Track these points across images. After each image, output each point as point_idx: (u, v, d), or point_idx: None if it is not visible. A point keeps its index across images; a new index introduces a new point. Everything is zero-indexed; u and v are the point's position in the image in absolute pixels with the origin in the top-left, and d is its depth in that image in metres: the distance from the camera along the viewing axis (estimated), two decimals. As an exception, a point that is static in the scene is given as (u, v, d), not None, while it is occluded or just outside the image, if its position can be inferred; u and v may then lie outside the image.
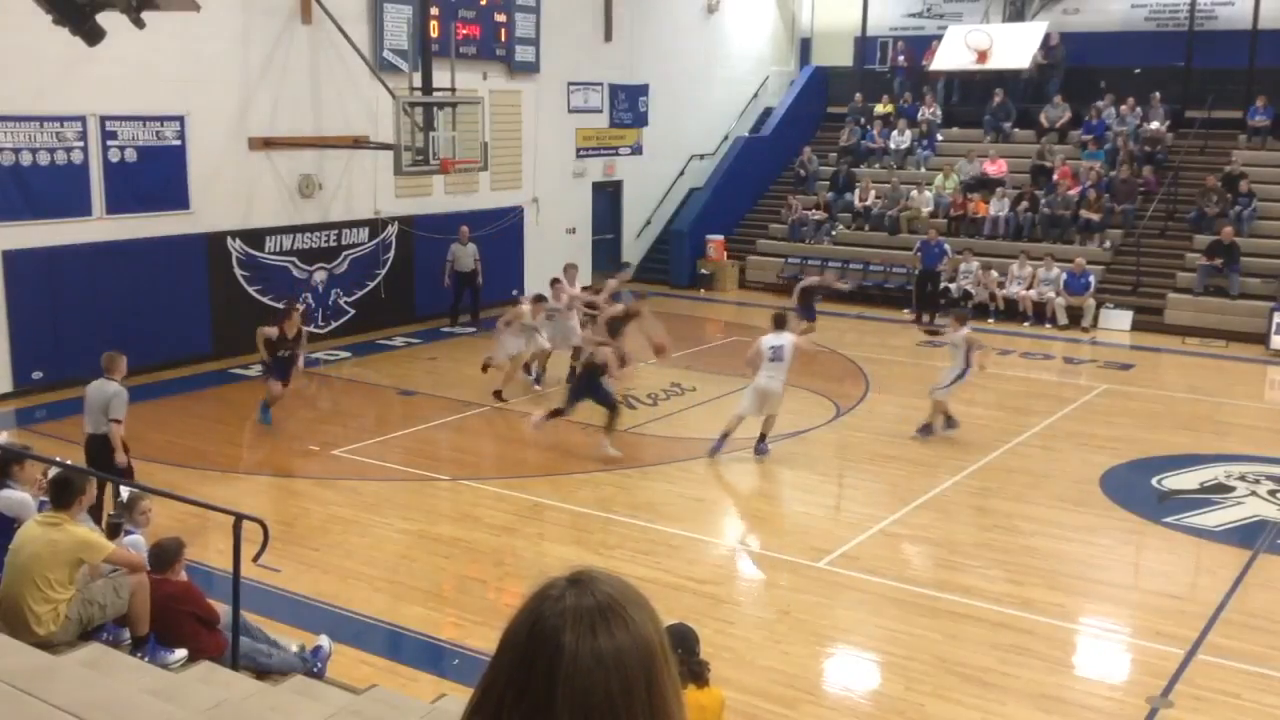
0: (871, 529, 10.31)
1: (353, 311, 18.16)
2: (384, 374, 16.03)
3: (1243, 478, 11.70)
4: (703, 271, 23.56)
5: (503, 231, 20.39)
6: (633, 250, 24.56)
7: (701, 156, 25.62)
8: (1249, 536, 10.17)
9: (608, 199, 23.83)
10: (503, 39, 20.14)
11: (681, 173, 25.28)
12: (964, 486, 11.56)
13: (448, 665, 7.64)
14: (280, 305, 14.52)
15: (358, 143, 17.29)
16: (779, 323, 12.42)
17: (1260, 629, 8.36)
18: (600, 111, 22.97)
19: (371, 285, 18.45)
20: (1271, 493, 11.31)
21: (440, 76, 16.81)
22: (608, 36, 22.69)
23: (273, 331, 12.64)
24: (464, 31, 19.16)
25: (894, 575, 9.31)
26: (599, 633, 1.42)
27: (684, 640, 5.26)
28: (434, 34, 17.60)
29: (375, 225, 18.40)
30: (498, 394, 14.29)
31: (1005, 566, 9.49)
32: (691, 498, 11.28)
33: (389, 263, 18.67)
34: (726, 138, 26.13)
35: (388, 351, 17.49)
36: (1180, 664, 7.78)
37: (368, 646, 7.89)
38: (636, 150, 24.01)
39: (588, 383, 12.45)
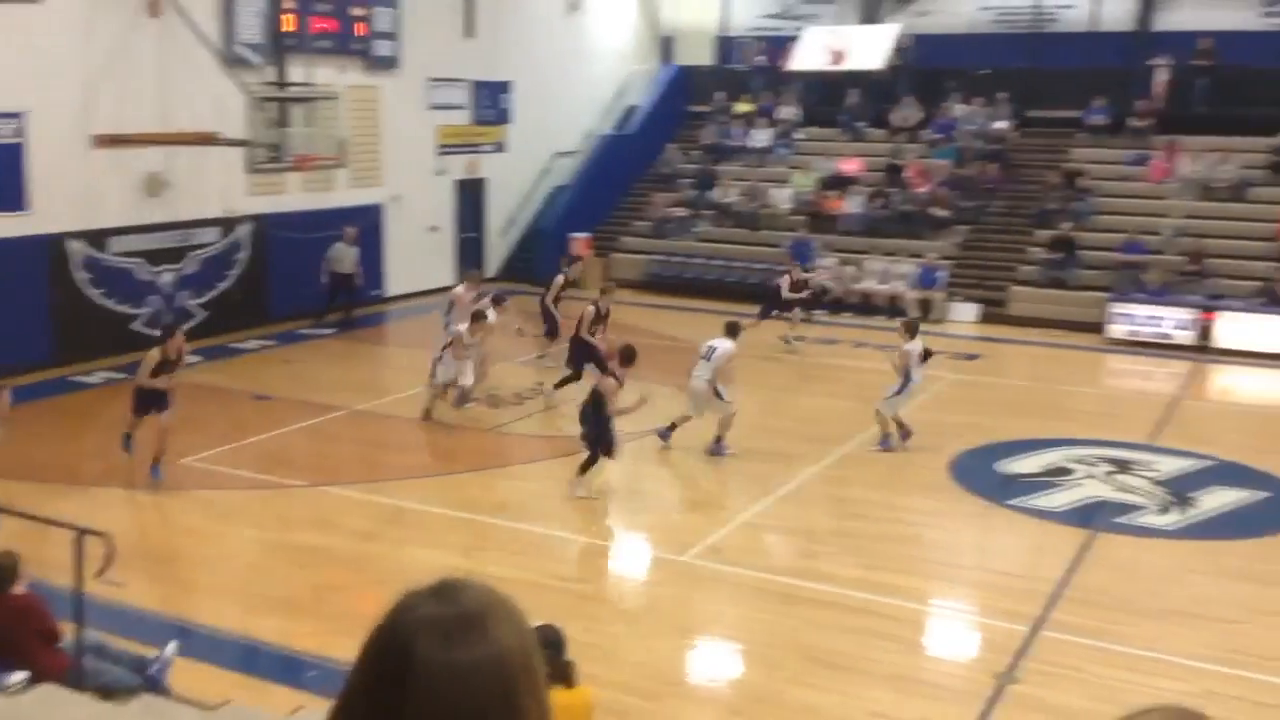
0: (734, 521, 10.49)
1: (204, 314, 17.61)
2: (237, 378, 15.56)
3: (1081, 461, 12.29)
4: (565, 270, 23.51)
5: (362, 230, 20.03)
6: (497, 249, 24.42)
7: (565, 154, 25.62)
8: (1087, 517, 10.69)
9: (471, 197, 23.64)
10: (361, 33, 19.79)
11: (546, 170, 25.23)
12: (823, 476, 11.86)
13: (305, 677, 7.49)
14: (157, 330, 13.53)
15: (208, 139, 16.76)
16: (730, 330, 12.55)
17: (1099, 604, 8.79)
18: (463, 108, 22.77)
19: (223, 286, 17.92)
20: (1108, 474, 11.90)
21: (296, 71, 16.42)
22: (469, 32, 22.50)
23: (157, 355, 11.27)
24: (320, 25, 18.76)
25: (756, 566, 9.49)
26: (454, 645, 1.38)
27: (551, 641, 5.27)
28: (288, 28, 17.17)
29: (227, 224, 17.87)
30: (427, 414, 13.42)
31: (862, 553, 9.76)
32: (558, 496, 11.29)
33: (242, 263, 18.16)
34: (590, 135, 26.19)
35: (241, 355, 16.99)
36: (1026, 640, 8.13)
37: (221, 661, 7.68)
38: (500, 148, 23.88)
39: (595, 415, 10.88)
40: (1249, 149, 21.25)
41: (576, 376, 13.85)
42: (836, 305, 20.43)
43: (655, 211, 24.05)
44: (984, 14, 25.82)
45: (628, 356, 11.11)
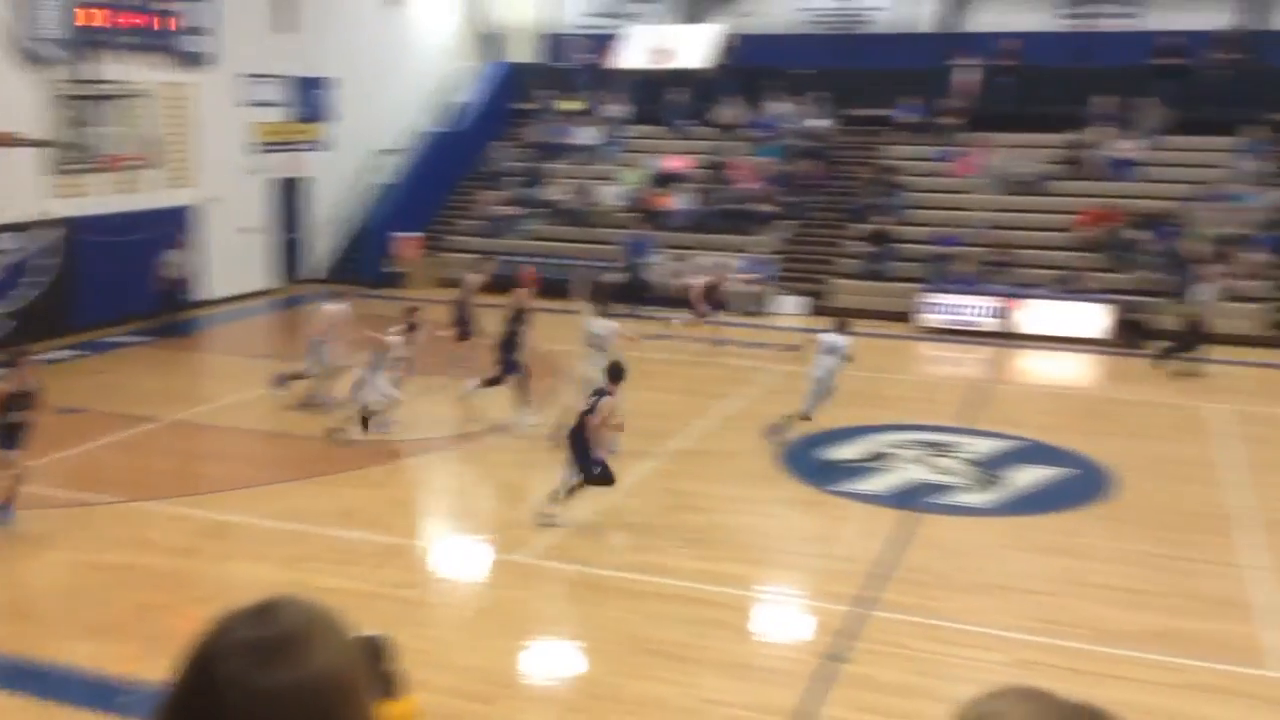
0: (571, 519, 10.47)
1: (10, 324, 16.55)
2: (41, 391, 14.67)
3: (901, 445, 12.78)
4: (392, 269, 23.12)
5: (178, 232, 19.21)
6: (320, 250, 23.79)
7: (390, 152, 25.14)
8: (908, 498, 11.11)
9: (291, 196, 22.96)
10: (173, 29, 18.96)
11: (370, 168, 24.71)
12: (656, 470, 11.97)
13: (117, 702, 7.13)
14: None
15: (8, 140, 15.76)
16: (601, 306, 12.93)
17: (921, 582, 9.14)
18: (281, 105, 22.08)
19: (23, 294, 16.88)
20: (926, 457, 12.40)
21: (106, 68, 15.61)
22: (286, 27, 21.83)
23: (4, 390, 10.14)
24: (130, 20, 17.88)
25: (591, 562, 9.51)
26: (265, 668, 1.33)
27: (376, 652, 5.16)
28: (92, 22, 16.31)
29: (28, 229, 16.85)
30: (331, 432, 12.62)
31: (695, 544, 9.89)
32: (388, 501, 11.07)
33: (46, 269, 17.16)
34: (416, 133, 25.77)
35: (46, 366, 16.03)
36: (853, 621, 8.39)
37: (26, 688, 7.24)
38: (321, 146, 23.26)
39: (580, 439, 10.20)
40: (1048, 145, 22.47)
41: (498, 381, 13.45)
42: (668, 301, 20.67)
43: (484, 210, 23.85)
44: (801, 15, 26.55)
45: (616, 374, 10.46)
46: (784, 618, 8.85)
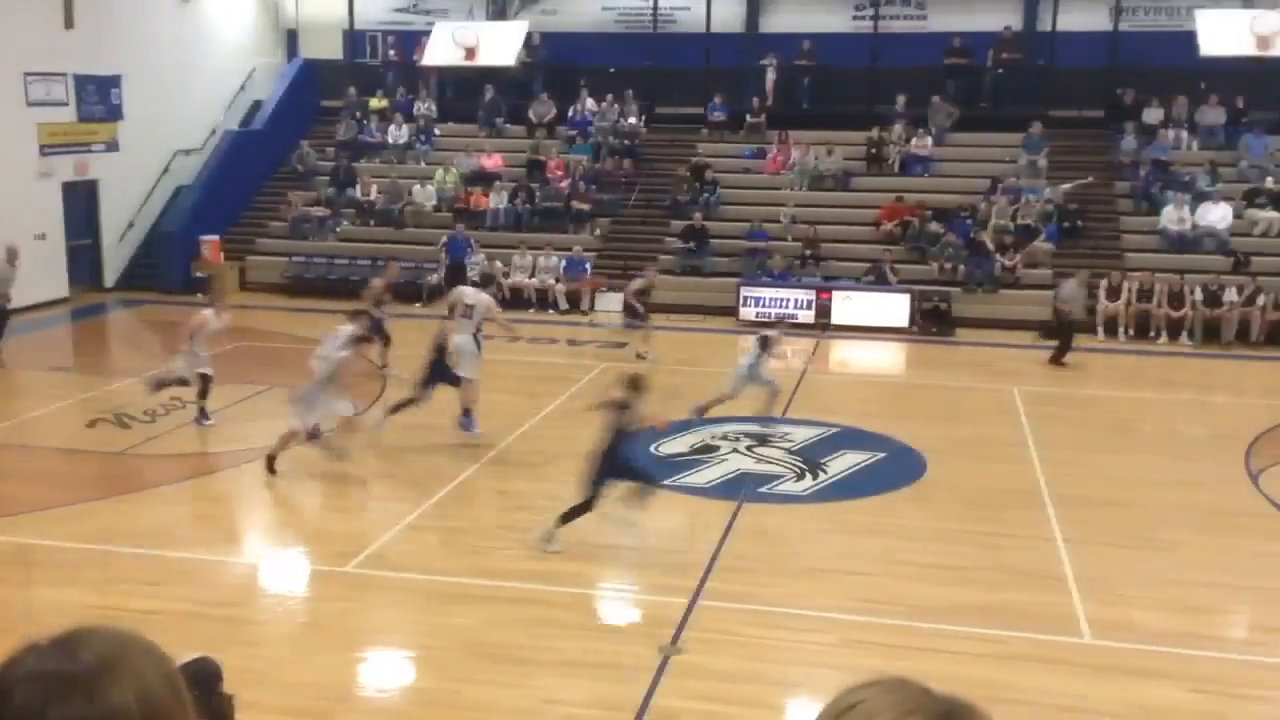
0: (398, 525, 10.28)
1: None
2: None
3: (725, 437, 13.06)
4: (198, 275, 22.16)
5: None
6: (117, 255, 22.58)
7: (188, 152, 24.06)
8: (733, 489, 11.37)
9: (82, 200, 21.70)
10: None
11: (166, 170, 23.59)
12: (485, 472, 11.88)
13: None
14: None
15: None
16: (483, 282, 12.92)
17: (748, 570, 9.37)
18: (66, 105, 20.84)
19: None
20: (749, 448, 12.72)
21: None
22: (69, 23, 20.60)
23: None
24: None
25: (422, 569, 9.36)
26: (61, 702, 1.26)
27: (202, 677, 4.93)
28: None
29: None
30: (271, 461, 11.45)
31: (527, 545, 9.85)
32: (202, 516, 10.62)
33: None
34: (214, 132, 24.75)
35: None
36: (686, 612, 8.52)
37: None
38: (113, 146, 22.07)
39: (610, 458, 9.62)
40: (849, 142, 23.35)
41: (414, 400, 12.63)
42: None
43: (291, 211, 23.12)
44: (607, 14, 26.76)
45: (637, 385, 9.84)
46: (618, 613, 8.92)
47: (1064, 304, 17.38)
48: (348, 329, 11.66)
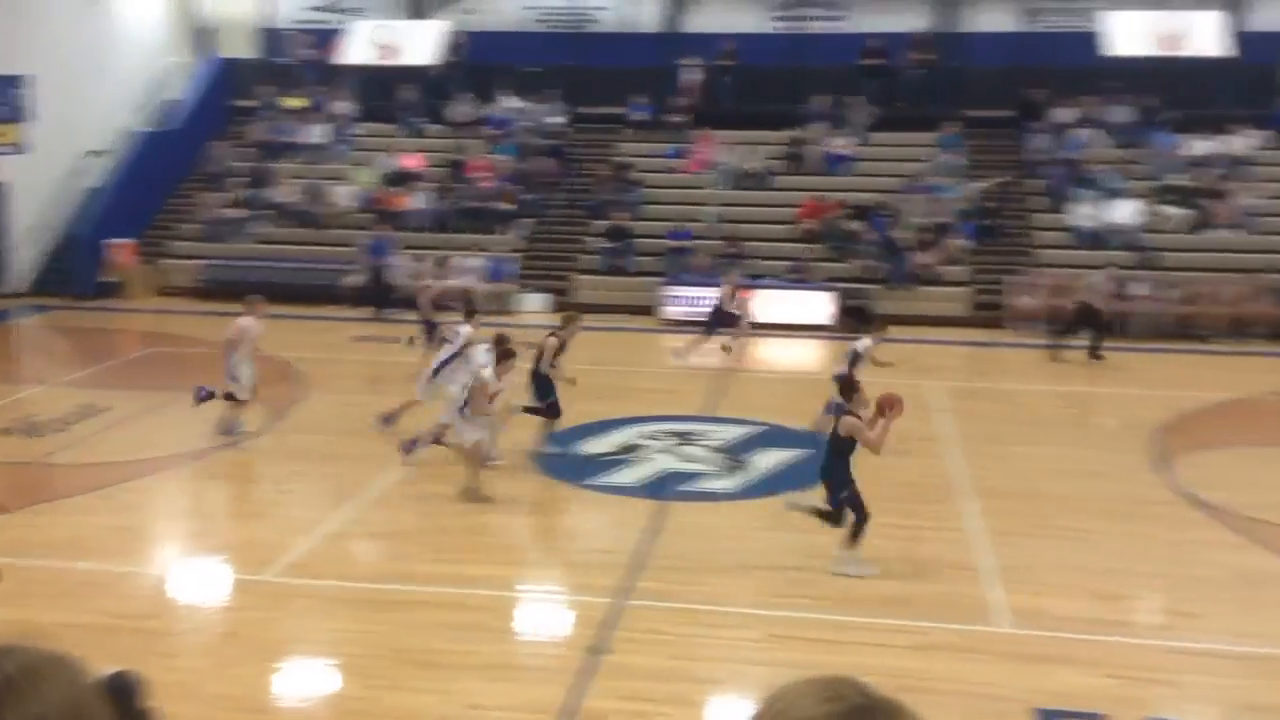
0: (317, 532, 10.12)
1: None
2: None
3: (650, 436, 13.08)
4: (110, 279, 21.63)
5: None
6: (24, 258, 21.94)
7: (98, 153, 23.46)
8: (659, 488, 11.39)
9: (-11, 204, 21.07)
10: None
11: (76, 172, 22.98)
12: (404, 475, 11.74)
13: None
14: None
15: None
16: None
17: (675, 569, 9.38)
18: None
19: None
20: (674, 446, 12.76)
21: None
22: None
23: None
24: None
25: (343, 576, 9.23)
26: None
27: (122, 690, 4.81)
28: None
29: None
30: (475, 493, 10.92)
31: (450, 549, 9.78)
32: (117, 527, 10.34)
33: None
34: (125, 133, 24.16)
35: None
36: (612, 612, 8.51)
37: None
38: (18, 148, 21.43)
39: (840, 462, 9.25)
40: (770, 142, 23.54)
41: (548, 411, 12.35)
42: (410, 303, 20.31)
43: (206, 213, 22.67)
44: (528, 13, 26.66)
45: (849, 389, 9.51)
46: (544, 615, 8.87)
47: (1091, 295, 17.55)
48: (465, 329, 12.19)
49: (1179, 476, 11.93)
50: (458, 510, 10.71)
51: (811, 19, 25.97)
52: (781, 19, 26.39)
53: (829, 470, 9.17)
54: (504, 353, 11.22)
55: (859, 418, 9.09)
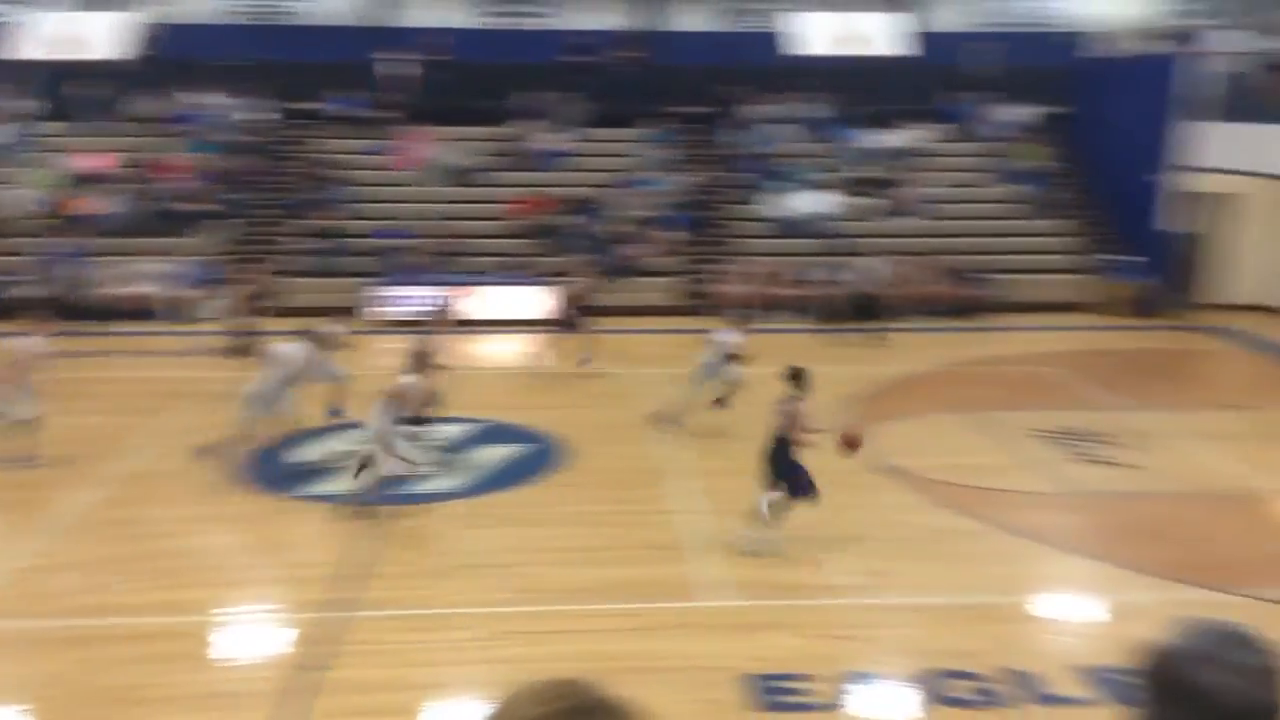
0: (3, 568, 9.28)
1: None
2: None
3: (365, 441, 12.68)
4: None
5: None
6: None
7: None
8: (373, 493, 11.04)
9: None
10: None
11: None
12: (95, 500, 10.93)
13: None
14: None
15: None
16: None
17: (395, 575, 9.22)
18: None
19: None
20: (389, 450, 12.43)
21: None
22: None
23: None
24: None
25: (32, 614, 8.51)
26: None
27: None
28: None
29: None
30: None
31: (153, 575, 9.20)
32: None
33: None
34: None
35: None
36: (330, 626, 8.25)
37: None
38: None
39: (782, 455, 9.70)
40: (482, 138, 23.46)
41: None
42: (106, 313, 18.95)
43: None
44: (225, 5, 25.40)
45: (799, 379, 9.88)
46: (253, 637, 8.45)
47: (860, 280, 18.88)
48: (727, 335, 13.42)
49: (871, 445, 12.78)
50: (157, 533, 10.09)
51: (523, 15, 26.04)
52: (491, 14, 26.33)
53: (776, 462, 9.62)
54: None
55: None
